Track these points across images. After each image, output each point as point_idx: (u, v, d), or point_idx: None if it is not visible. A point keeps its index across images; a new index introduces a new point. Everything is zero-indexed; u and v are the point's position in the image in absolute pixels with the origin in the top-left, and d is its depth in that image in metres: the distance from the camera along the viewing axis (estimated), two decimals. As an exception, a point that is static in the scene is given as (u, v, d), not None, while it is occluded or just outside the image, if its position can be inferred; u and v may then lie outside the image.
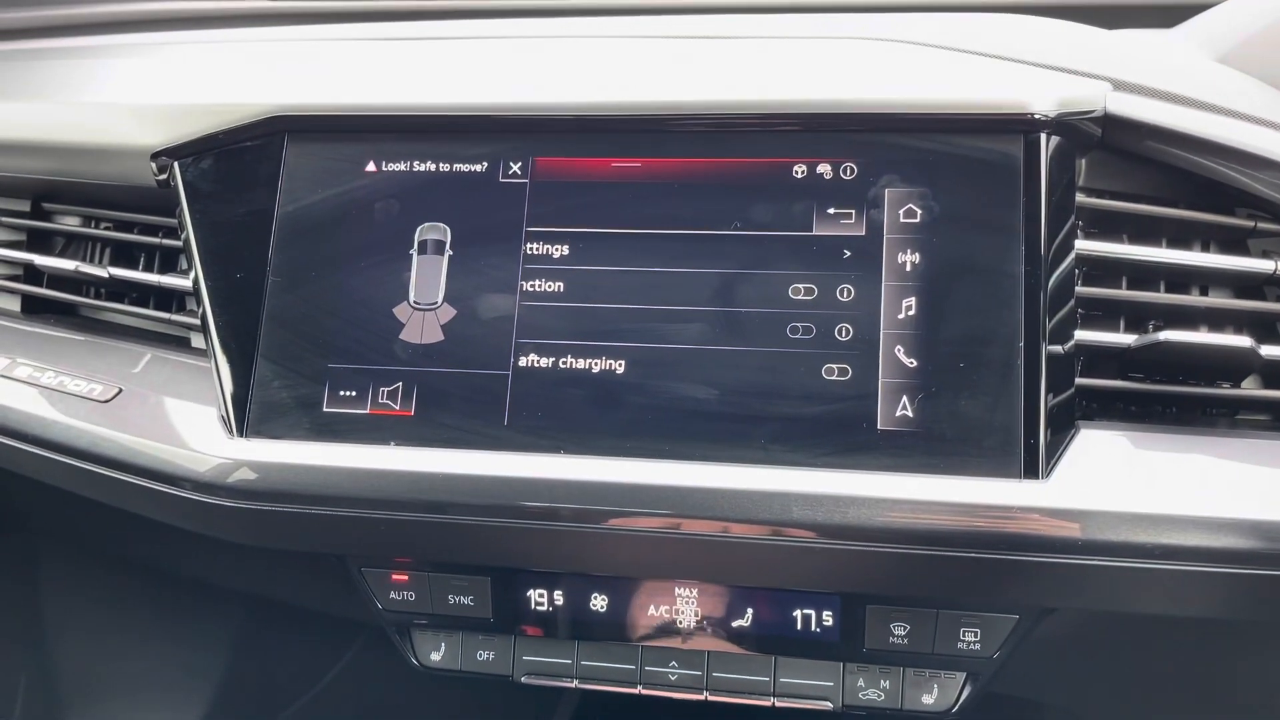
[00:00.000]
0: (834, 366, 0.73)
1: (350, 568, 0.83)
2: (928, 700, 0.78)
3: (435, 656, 0.85)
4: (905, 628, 0.76)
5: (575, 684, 0.82)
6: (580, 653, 0.83)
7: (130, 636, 1.66)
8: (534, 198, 0.78)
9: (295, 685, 2.04)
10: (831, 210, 0.74)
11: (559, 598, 0.81)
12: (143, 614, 1.66)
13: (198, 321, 0.84)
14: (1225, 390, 0.73)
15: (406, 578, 0.82)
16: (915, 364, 0.72)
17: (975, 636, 0.75)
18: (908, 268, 0.72)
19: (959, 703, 0.78)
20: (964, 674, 0.78)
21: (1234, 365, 0.71)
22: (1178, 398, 0.74)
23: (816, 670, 0.80)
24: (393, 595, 0.83)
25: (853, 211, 0.74)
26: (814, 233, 0.74)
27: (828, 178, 0.75)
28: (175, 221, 0.84)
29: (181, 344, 0.90)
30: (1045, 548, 0.69)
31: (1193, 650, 0.81)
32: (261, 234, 0.80)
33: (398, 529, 0.76)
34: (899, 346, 0.72)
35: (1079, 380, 0.73)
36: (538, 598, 0.81)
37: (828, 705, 0.79)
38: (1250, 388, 0.74)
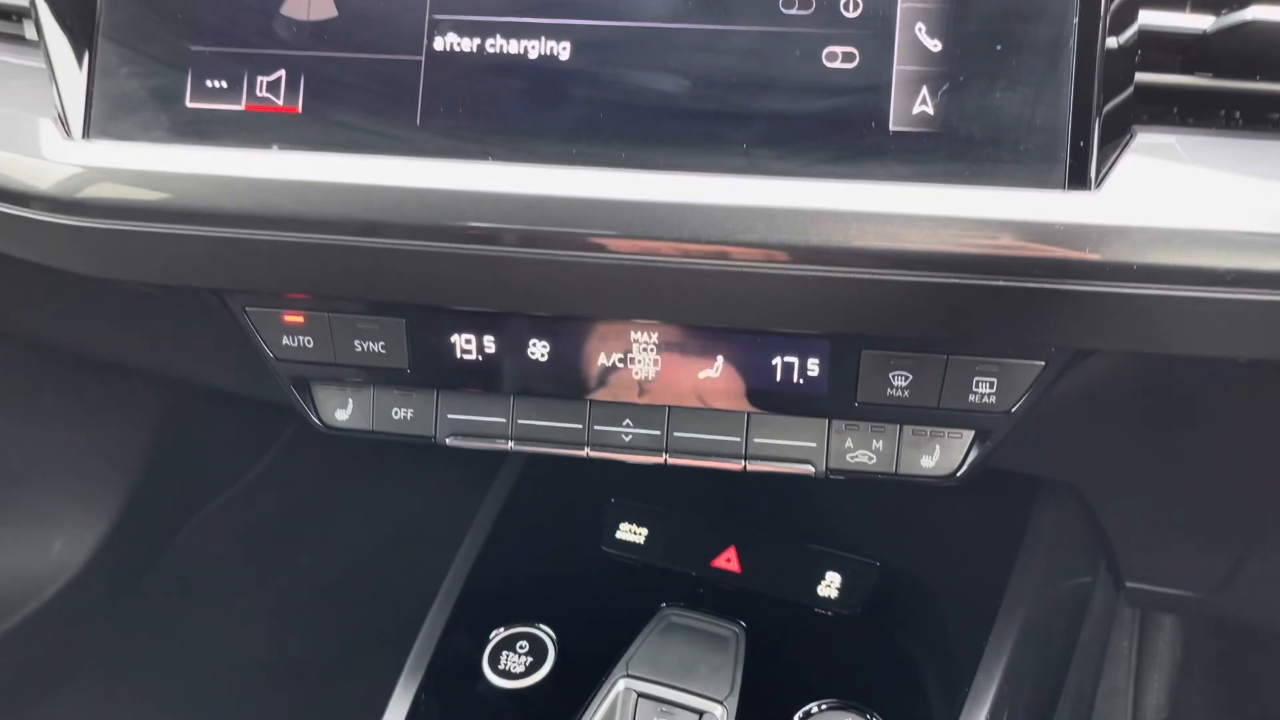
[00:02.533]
0: (837, 50, 0.57)
1: (233, 308, 0.68)
2: (927, 463, 0.66)
3: (341, 415, 0.71)
4: (907, 377, 0.63)
5: (511, 446, 0.69)
6: (517, 410, 0.69)
7: (23, 421, 1.52)
8: None
9: (220, 476, 1.93)
10: None
11: (489, 344, 0.67)
12: (37, 395, 1.52)
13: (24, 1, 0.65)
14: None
15: (302, 319, 0.67)
16: (940, 47, 0.56)
17: (990, 387, 0.63)
18: (937, -83, 0.56)
19: (963, 466, 0.66)
20: (972, 433, 0.66)
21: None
22: (1255, 98, 0.60)
23: (797, 429, 0.67)
24: (286, 341, 0.68)
25: None
26: None
27: None
28: None
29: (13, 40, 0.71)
30: (1091, 273, 0.55)
31: (1235, 416, 0.70)
32: None
33: (285, 255, 0.61)
34: (920, 24, 0.56)
35: (1138, 76, 0.58)
36: (464, 344, 0.67)
37: (809, 469, 0.67)
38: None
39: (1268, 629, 1.09)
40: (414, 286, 0.62)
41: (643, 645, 0.77)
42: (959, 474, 0.66)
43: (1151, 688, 1.47)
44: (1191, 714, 1.47)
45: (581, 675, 0.76)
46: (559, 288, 0.61)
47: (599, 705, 0.74)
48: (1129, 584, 0.99)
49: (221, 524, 1.88)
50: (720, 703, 0.74)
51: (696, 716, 0.73)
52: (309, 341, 0.68)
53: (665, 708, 0.74)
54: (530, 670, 0.77)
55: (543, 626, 0.79)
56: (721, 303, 0.60)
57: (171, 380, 1.56)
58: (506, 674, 0.77)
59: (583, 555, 0.85)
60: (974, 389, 0.63)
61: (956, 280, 0.56)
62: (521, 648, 0.78)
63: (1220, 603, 0.98)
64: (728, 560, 0.83)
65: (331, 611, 1.79)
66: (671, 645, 0.77)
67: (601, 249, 0.58)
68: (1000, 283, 0.56)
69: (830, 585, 0.80)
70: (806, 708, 0.73)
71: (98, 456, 1.72)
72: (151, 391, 1.72)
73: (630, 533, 0.85)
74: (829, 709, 0.73)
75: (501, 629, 0.79)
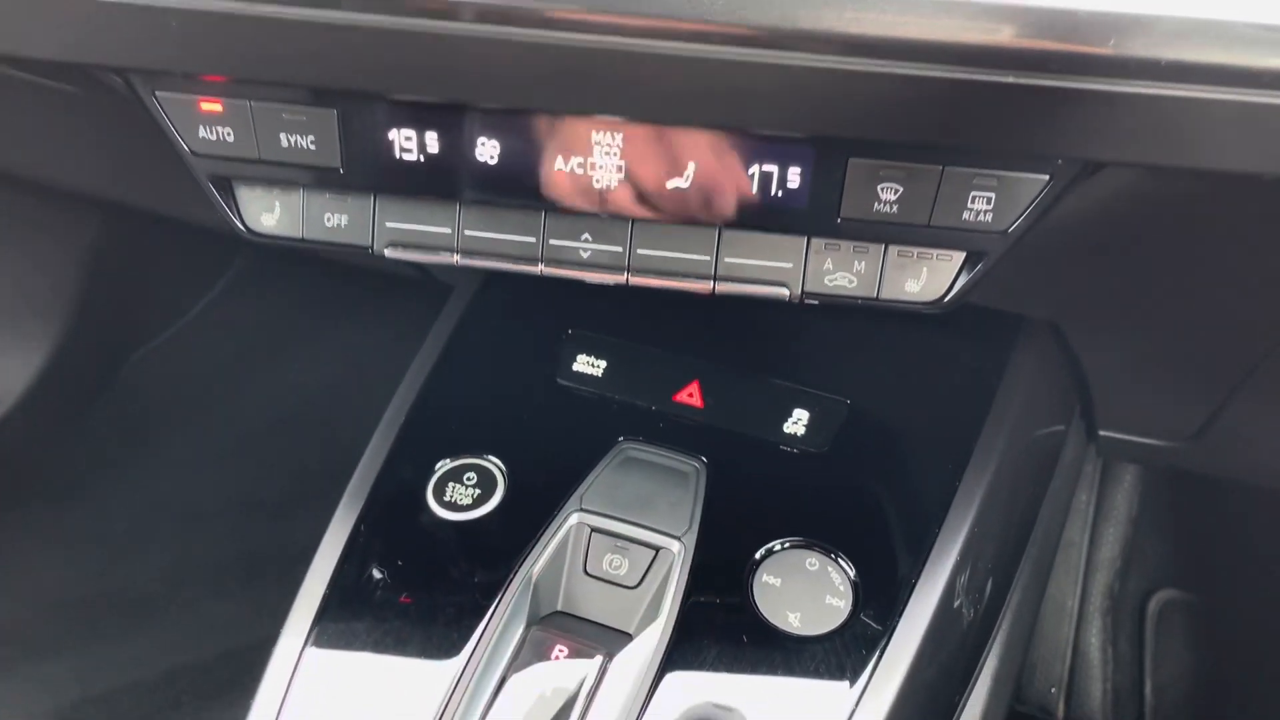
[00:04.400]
0: None
1: (142, 95, 0.60)
2: (912, 288, 0.61)
3: (268, 221, 0.64)
4: (896, 190, 0.57)
5: (457, 260, 0.63)
6: (464, 219, 0.63)
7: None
8: None
9: (162, 312, 1.86)
10: None
11: (433, 141, 0.59)
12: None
13: None
14: None
15: (220, 107, 0.59)
16: None
17: (987, 204, 0.57)
18: None
19: (951, 291, 0.61)
20: (963, 255, 0.60)
21: None
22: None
23: (773, 248, 0.61)
24: (203, 133, 0.60)
25: None
26: None
27: None
28: None
29: None
30: (1111, 70, 0.49)
31: (1236, 254, 0.64)
32: None
33: (194, 25, 0.53)
34: None
35: None
36: (404, 141, 0.59)
37: (784, 293, 0.62)
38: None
39: (1233, 479, 1.08)
40: (348, 69, 0.55)
41: (597, 479, 0.73)
42: (946, 300, 0.61)
43: (1106, 540, 1.48)
44: (1142, 564, 1.49)
45: (532, 509, 0.72)
46: (514, 73, 0.53)
47: (550, 540, 0.70)
48: (1102, 433, 0.96)
49: (165, 361, 1.82)
50: (678, 539, 0.70)
51: (653, 552, 0.70)
52: (229, 134, 0.60)
53: (620, 543, 0.70)
54: (478, 503, 0.72)
55: (491, 458, 0.74)
56: (697, 96, 0.53)
57: (103, 204, 1.48)
58: (452, 506, 0.72)
59: (536, 387, 0.79)
60: (969, 205, 0.57)
61: (960, 75, 0.50)
62: (469, 479, 0.73)
63: (1190, 453, 0.95)
64: (690, 395, 0.78)
65: (279, 450, 1.75)
66: (628, 480, 0.73)
67: (567, 25, 0.50)
68: (1009, 79, 0.50)
69: (797, 422, 0.76)
70: (769, 545, 0.69)
71: (32, 285, 1.64)
72: (85, 218, 1.63)
73: (587, 365, 0.80)
74: (792, 547, 0.69)
75: (447, 460, 0.74)
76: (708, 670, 0.65)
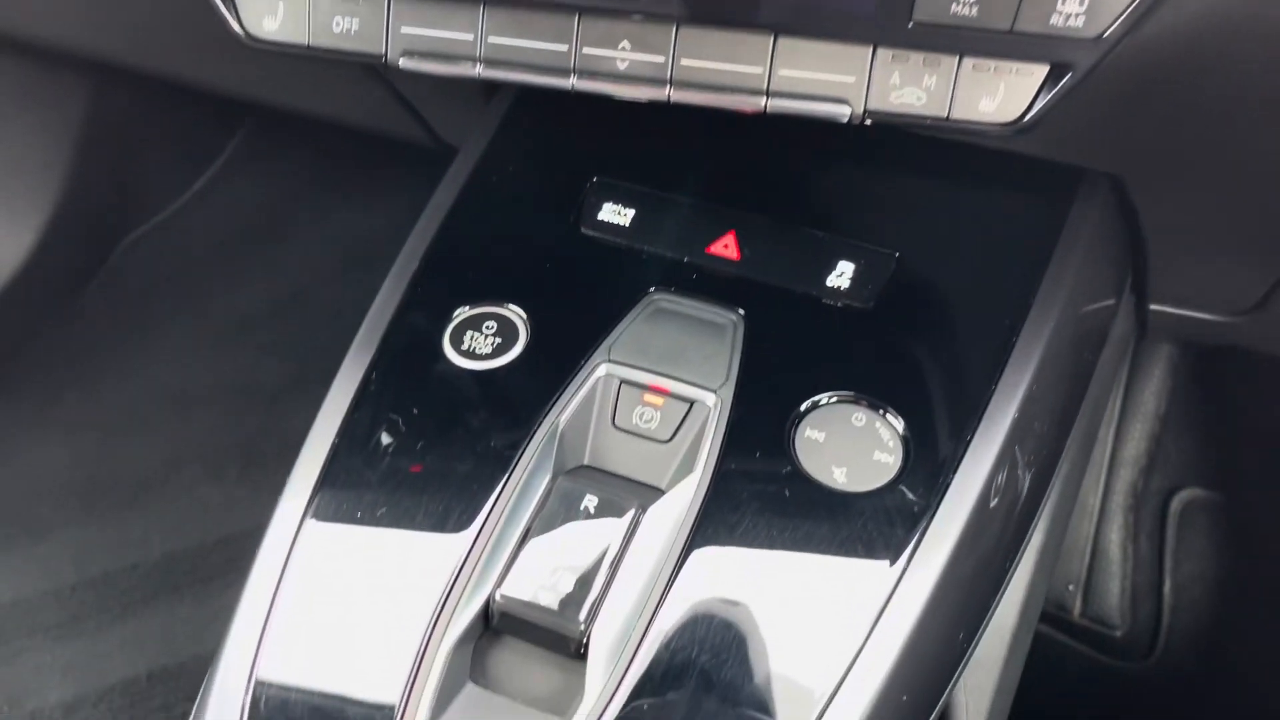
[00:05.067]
0: None
1: None
2: (987, 106, 0.55)
3: (270, 25, 0.57)
4: (980, -12, 0.51)
5: (479, 71, 0.57)
6: (487, 23, 0.56)
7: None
8: None
9: (158, 190, 1.80)
10: None
11: (454, -74, 0.53)
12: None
13: None
14: None
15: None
16: None
17: (1080, 5, 0.51)
18: None
19: (1031, 110, 0.55)
20: (1046, 68, 0.54)
21: None
22: None
23: (834, 59, 0.55)
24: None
25: None
26: None
27: None
28: None
29: None
30: None
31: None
32: None
33: None
34: None
35: None
36: (423, -73, 0.53)
37: (844, 111, 0.56)
38: None
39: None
40: None
41: (626, 330, 0.68)
42: (1024, 120, 0.55)
43: (1132, 436, 1.44)
44: (1167, 462, 1.45)
45: (556, 360, 0.67)
46: None
47: (575, 391, 0.65)
48: (1153, 306, 0.91)
49: (161, 242, 1.76)
50: (714, 392, 0.65)
51: (686, 405, 0.65)
52: (225, -83, 0.53)
53: (652, 395, 0.65)
54: (498, 352, 0.67)
55: (512, 307, 0.69)
56: None
57: (94, 67, 1.41)
58: (471, 354, 0.67)
59: (558, 236, 0.74)
60: (1059, 7, 0.51)
61: None
62: (488, 328, 0.68)
63: (1245, 328, 0.90)
64: (725, 247, 0.72)
65: (277, 334, 1.70)
66: (659, 331, 0.68)
67: None
68: None
69: (842, 275, 0.70)
70: (815, 399, 0.64)
71: (22, 161, 1.58)
72: (76, 89, 1.56)
73: (614, 214, 0.74)
74: (839, 402, 0.64)
75: (465, 307, 0.69)
76: (747, 525, 0.60)
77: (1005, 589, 0.67)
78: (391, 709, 0.55)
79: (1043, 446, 0.69)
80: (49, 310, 1.68)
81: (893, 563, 0.59)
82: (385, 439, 0.64)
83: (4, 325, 1.61)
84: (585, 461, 0.64)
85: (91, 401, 1.64)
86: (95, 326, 1.71)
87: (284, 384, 1.63)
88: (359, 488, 0.63)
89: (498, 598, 0.58)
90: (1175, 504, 1.44)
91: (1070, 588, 1.43)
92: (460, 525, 0.60)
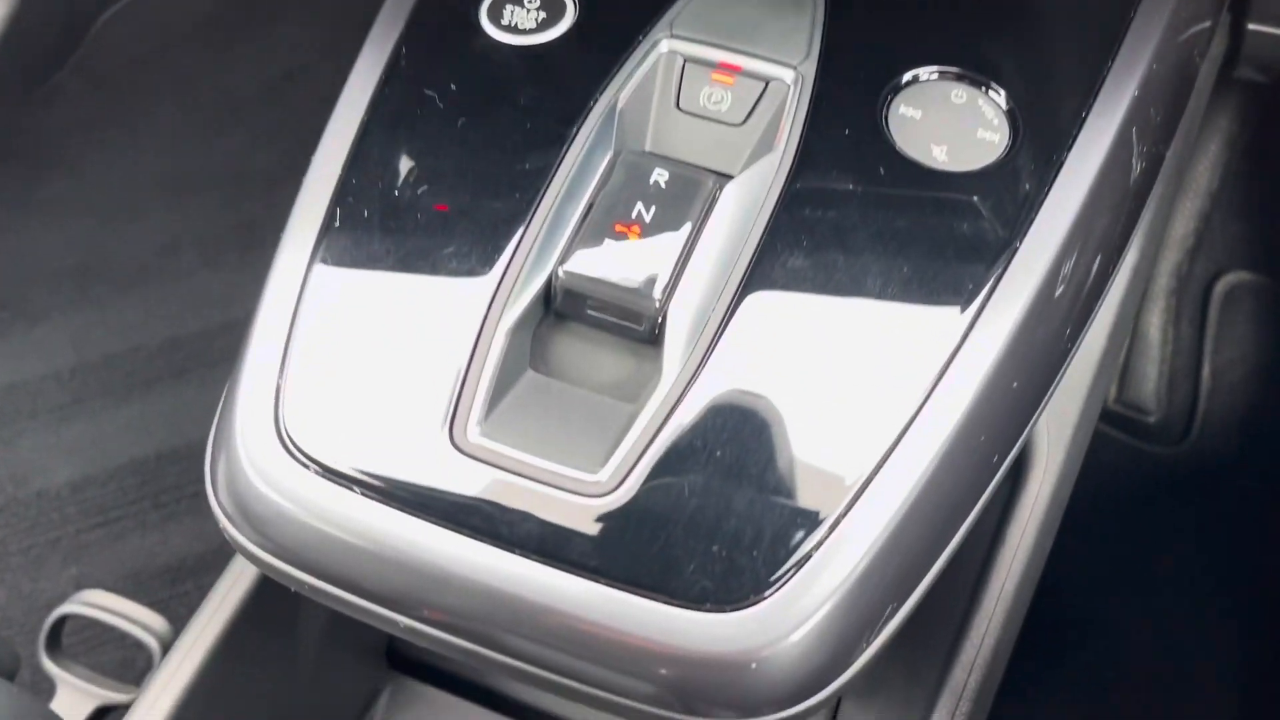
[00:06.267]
0: None
1: None
2: None
3: None
4: None
5: None
6: None
7: None
8: None
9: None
10: None
11: None
12: None
13: None
14: None
15: None
16: None
17: None
18: None
19: None
20: None
21: None
22: None
23: None
24: None
25: None
26: None
27: None
28: None
29: None
30: None
31: None
32: None
33: None
34: None
35: None
36: None
37: None
38: None
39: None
40: None
41: (690, 2, 0.59)
42: None
43: (1181, 214, 1.37)
44: (1214, 244, 1.39)
45: (610, 34, 0.58)
46: None
47: (633, 70, 0.57)
48: (1251, 26, 0.83)
49: (144, 17, 1.64)
50: (794, 68, 0.57)
51: (762, 85, 0.57)
52: None
53: (722, 73, 0.57)
54: (544, 26, 0.59)
55: (559, -15, 0.60)
56: None
57: None
58: (513, 29, 0.59)
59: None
60: None
61: None
62: (531, 1, 0.59)
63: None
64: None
65: (272, 116, 1.60)
66: (728, 1, 0.59)
67: None
68: None
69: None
70: (910, 73, 0.56)
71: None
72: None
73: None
74: (938, 77, 0.56)
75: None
76: (837, 206, 0.53)
77: (1107, 291, 0.61)
78: (444, 398, 0.50)
79: (1155, 139, 0.61)
80: (24, 91, 1.57)
81: (1001, 242, 0.52)
82: (421, 117, 0.56)
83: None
84: (647, 148, 0.57)
85: (80, 185, 1.55)
86: (76, 108, 1.61)
87: (280, 168, 1.54)
88: (392, 165, 0.55)
89: (560, 274, 0.51)
90: (1220, 286, 1.38)
91: (1106, 373, 1.39)
92: (512, 202, 0.53)
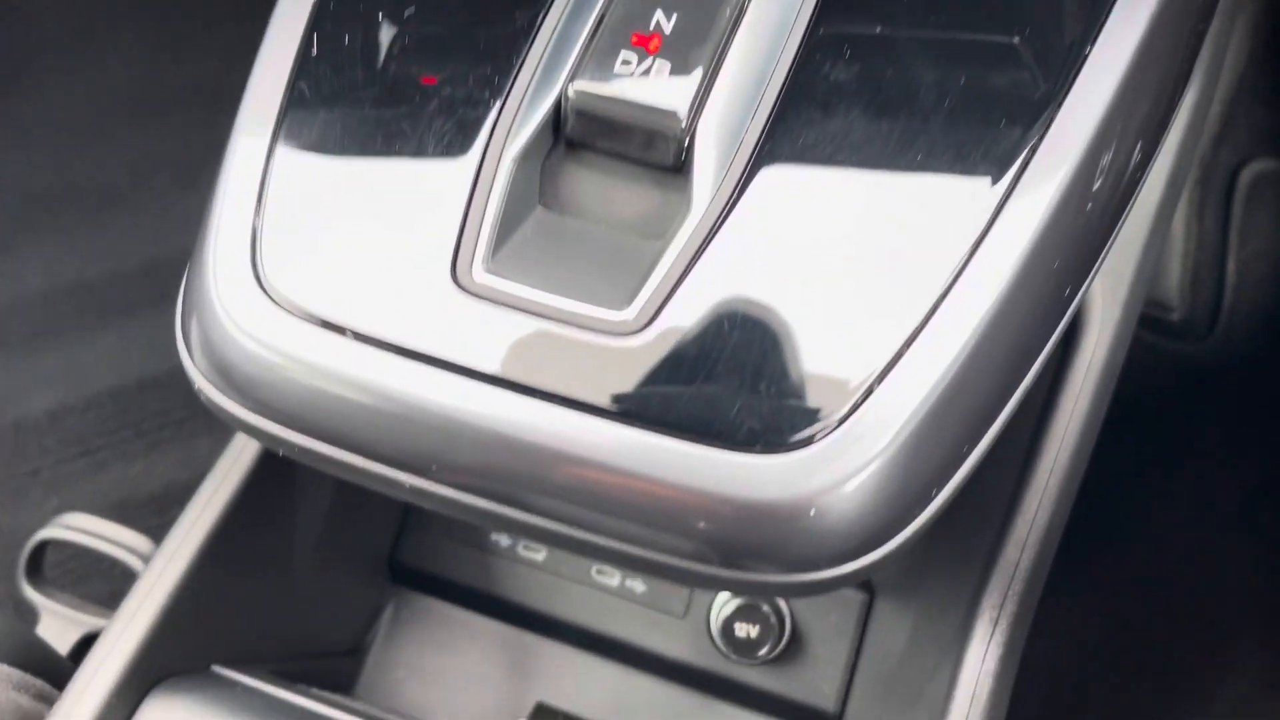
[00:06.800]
0: None
1: None
2: None
3: None
4: None
5: None
6: None
7: None
8: None
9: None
10: None
11: None
12: None
13: None
14: None
15: None
16: None
17: None
18: None
19: None
20: None
21: None
22: None
23: None
24: None
25: None
26: None
27: None
28: None
29: None
30: None
31: None
32: None
33: None
34: None
35: None
36: None
37: None
38: None
39: None
40: None
41: None
42: None
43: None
44: (1238, 131, 1.33)
45: None
46: None
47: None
48: None
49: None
50: None
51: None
52: None
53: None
54: None
55: None
56: None
57: None
58: None
59: None
60: None
61: None
62: None
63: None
64: None
65: (244, 36, 1.52)
66: None
67: None
68: None
69: None
70: None
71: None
72: None
73: None
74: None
75: None
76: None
77: (1168, 131, 0.54)
78: (444, 235, 0.43)
79: (1200, 13, 0.55)
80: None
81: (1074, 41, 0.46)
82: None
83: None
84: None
85: (45, 107, 1.47)
86: (36, 26, 1.52)
87: (252, 88, 1.46)
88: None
89: (570, 93, 0.44)
90: (1245, 175, 1.32)
91: (1128, 271, 1.33)
92: (514, 14, 0.47)
